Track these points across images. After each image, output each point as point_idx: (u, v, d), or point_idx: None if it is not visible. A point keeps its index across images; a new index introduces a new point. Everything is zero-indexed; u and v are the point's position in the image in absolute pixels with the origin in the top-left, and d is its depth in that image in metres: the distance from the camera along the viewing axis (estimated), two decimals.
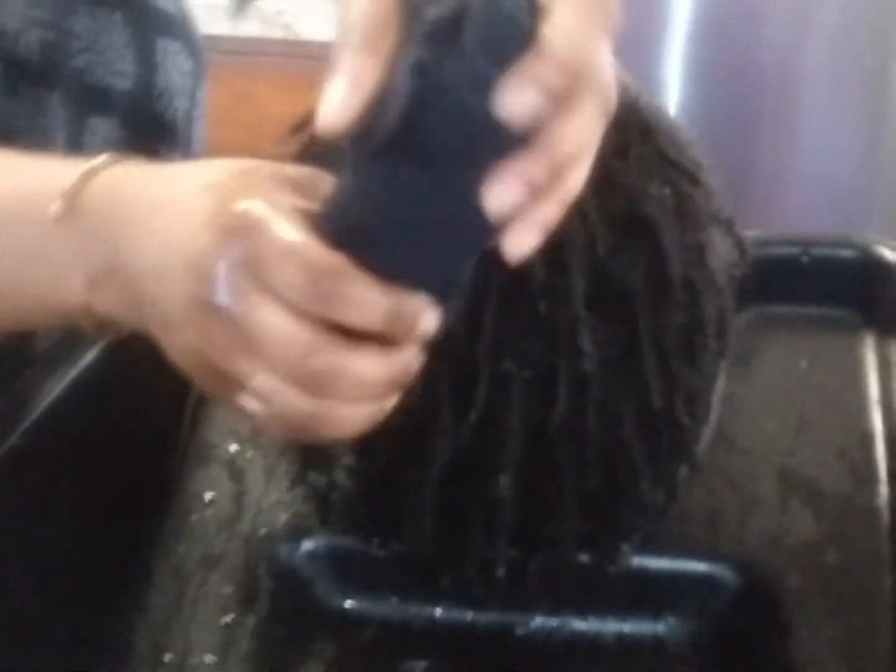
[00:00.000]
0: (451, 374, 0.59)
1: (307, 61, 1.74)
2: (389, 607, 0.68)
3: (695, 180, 0.63)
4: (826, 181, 1.55)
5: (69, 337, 0.71)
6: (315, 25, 1.68)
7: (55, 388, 0.69)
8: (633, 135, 0.62)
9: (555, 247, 0.59)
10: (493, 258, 0.59)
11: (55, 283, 0.58)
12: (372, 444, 0.61)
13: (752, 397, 0.74)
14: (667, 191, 0.62)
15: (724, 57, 1.59)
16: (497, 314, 0.59)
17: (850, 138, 1.56)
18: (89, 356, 0.71)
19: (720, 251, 0.64)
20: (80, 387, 0.70)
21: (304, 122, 0.68)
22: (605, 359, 0.60)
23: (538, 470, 0.60)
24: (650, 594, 0.69)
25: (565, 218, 0.59)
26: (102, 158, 0.58)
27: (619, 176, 0.61)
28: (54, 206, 0.58)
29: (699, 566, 0.69)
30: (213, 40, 1.65)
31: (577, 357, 0.59)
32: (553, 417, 0.59)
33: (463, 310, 0.58)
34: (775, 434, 0.73)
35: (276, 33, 1.69)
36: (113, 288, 0.56)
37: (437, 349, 0.59)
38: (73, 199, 0.57)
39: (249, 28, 1.68)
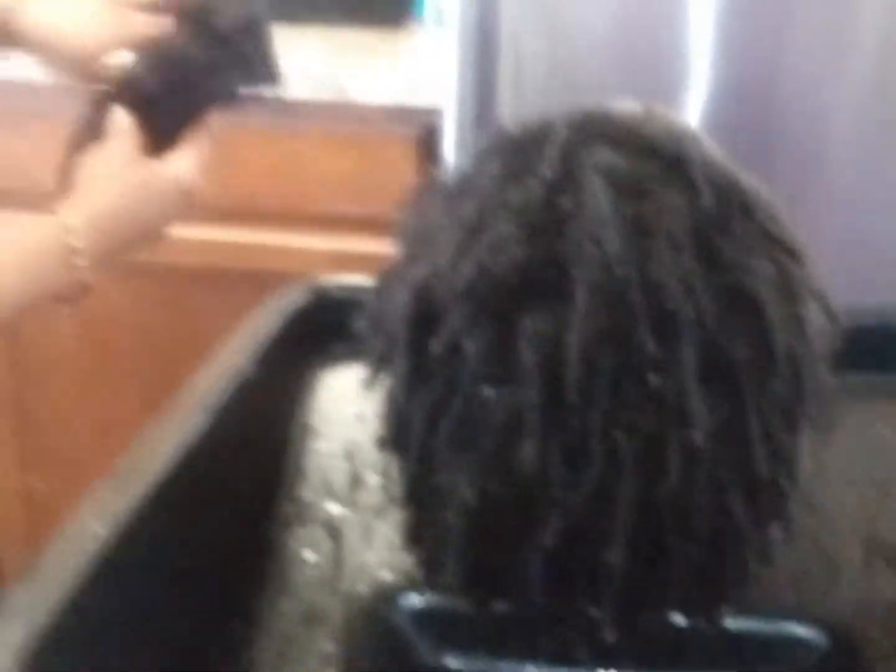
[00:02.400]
0: (563, 445, 0.59)
1: (356, 123, 1.76)
2: (488, 666, 0.68)
3: (794, 255, 0.64)
4: (860, 243, 1.56)
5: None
6: (365, 88, 1.70)
7: (165, 452, 0.69)
8: (734, 211, 0.63)
9: (665, 320, 0.59)
10: (605, 336, 0.59)
11: None
12: (483, 509, 0.61)
13: (834, 462, 0.74)
14: (769, 265, 0.62)
15: (745, 120, 1.60)
16: (609, 386, 0.59)
17: (884, 196, 1.56)
18: (194, 420, 0.71)
19: (816, 322, 0.64)
20: (187, 450, 0.70)
21: None
22: (712, 429, 0.60)
23: (646, 537, 0.60)
24: (739, 654, 0.69)
25: (674, 292, 0.60)
26: None
27: (723, 251, 0.61)
28: None
29: (787, 627, 0.69)
30: (263, 101, 1.68)
31: (687, 428, 0.59)
32: (662, 487, 0.59)
33: (576, 380, 0.59)
34: (858, 498, 0.73)
35: (327, 95, 1.70)
36: None
37: (551, 421, 0.59)
38: None
39: (300, 90, 1.69)
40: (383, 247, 1.79)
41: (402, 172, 1.74)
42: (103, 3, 1.09)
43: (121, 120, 1.05)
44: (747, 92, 1.59)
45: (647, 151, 0.63)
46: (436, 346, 0.61)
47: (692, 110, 1.58)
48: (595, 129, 0.63)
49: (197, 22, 1.07)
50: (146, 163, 1.05)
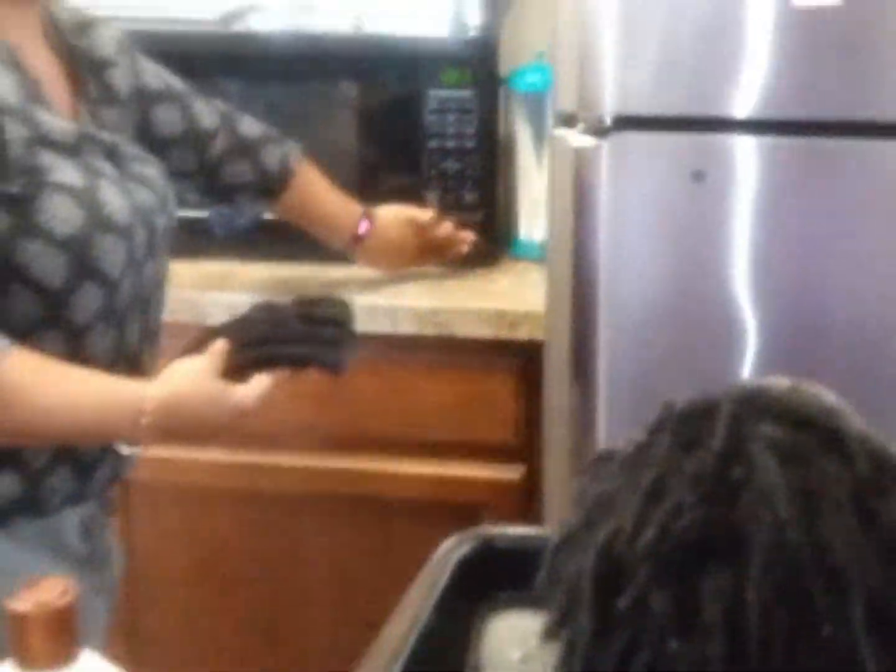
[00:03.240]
0: None
1: (459, 356, 1.84)
2: None
3: None
4: None
5: None
6: (467, 325, 1.80)
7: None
8: (888, 475, 0.69)
9: (834, 577, 0.65)
10: (780, 593, 0.65)
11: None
12: None
13: None
14: None
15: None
16: (786, 638, 0.65)
17: None
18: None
19: None
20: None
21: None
22: None
23: None
24: None
25: (841, 551, 0.66)
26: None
27: (881, 512, 0.67)
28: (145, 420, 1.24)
29: None
30: (373, 338, 1.78)
31: None
32: None
33: (756, 633, 0.65)
34: None
35: (431, 331, 1.79)
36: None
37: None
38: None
39: (406, 326, 1.79)
40: (484, 472, 1.86)
41: (503, 402, 1.82)
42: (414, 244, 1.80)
43: (219, 344, 1.32)
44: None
45: (805, 424, 0.70)
46: (622, 602, 0.67)
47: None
48: (756, 405, 0.70)
49: (301, 306, 1.41)
50: (221, 380, 1.31)
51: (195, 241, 1.80)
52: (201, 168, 1.57)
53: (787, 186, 1.64)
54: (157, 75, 1.48)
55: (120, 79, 1.38)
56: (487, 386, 1.82)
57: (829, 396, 0.73)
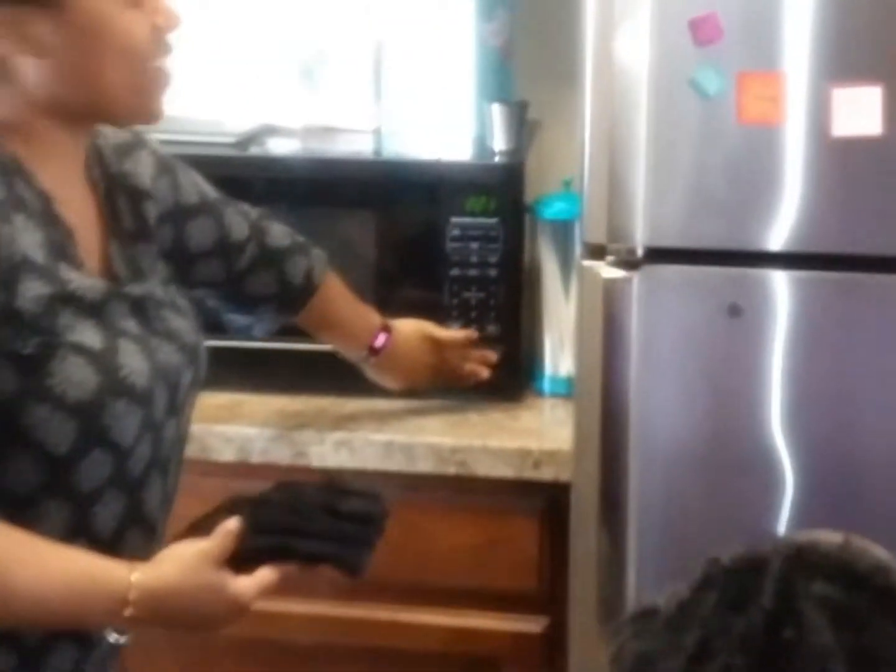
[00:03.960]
0: None
1: (479, 497, 1.83)
2: None
3: None
4: None
5: None
6: (489, 464, 1.80)
7: None
8: None
9: None
10: None
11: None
12: None
13: None
14: None
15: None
16: None
17: None
18: None
19: None
20: None
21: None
22: None
23: None
24: None
25: None
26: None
27: None
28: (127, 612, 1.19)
29: None
30: (388, 476, 1.78)
31: None
32: None
33: None
34: None
35: (450, 469, 1.80)
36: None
37: None
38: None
39: (424, 464, 1.79)
40: (505, 623, 1.84)
41: (525, 547, 1.81)
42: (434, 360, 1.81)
43: (230, 525, 1.27)
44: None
45: (858, 582, 0.70)
46: None
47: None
48: (806, 562, 0.71)
49: (329, 493, 1.35)
50: (220, 570, 1.26)
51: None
52: (227, 279, 1.57)
53: (825, 323, 1.66)
54: (193, 188, 1.49)
55: (155, 209, 1.39)
56: (509, 530, 1.81)
57: (880, 552, 0.74)
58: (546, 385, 2.00)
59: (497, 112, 1.97)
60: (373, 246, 1.94)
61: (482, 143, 2.01)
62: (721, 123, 1.61)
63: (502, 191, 1.90)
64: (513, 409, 1.94)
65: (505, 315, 1.92)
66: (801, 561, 0.71)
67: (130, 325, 1.29)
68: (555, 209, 1.96)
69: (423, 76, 2.04)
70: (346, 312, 1.72)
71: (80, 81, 1.23)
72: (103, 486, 1.25)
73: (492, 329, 1.92)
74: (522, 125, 1.99)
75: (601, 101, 1.64)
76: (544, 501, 1.80)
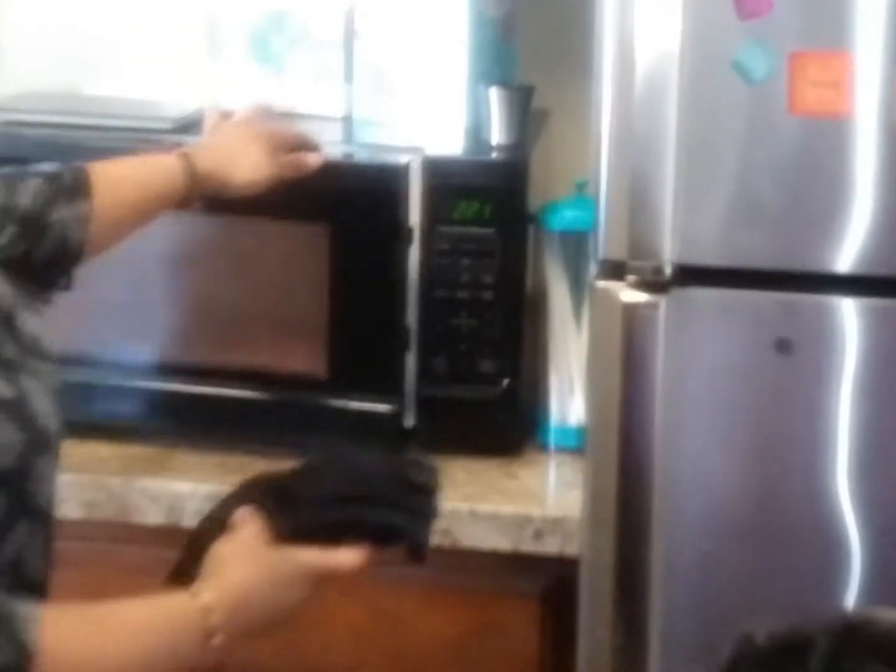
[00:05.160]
0: None
1: (466, 575, 1.81)
2: None
3: None
4: None
5: None
6: (478, 534, 1.79)
7: None
8: None
9: None
10: None
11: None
12: None
13: None
14: None
15: None
16: None
17: None
18: None
19: None
20: None
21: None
22: None
23: None
24: None
25: None
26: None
27: None
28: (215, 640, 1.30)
29: None
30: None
31: None
32: None
33: None
34: None
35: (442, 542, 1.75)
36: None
37: None
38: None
39: None
40: None
41: (523, 637, 1.80)
42: (262, 149, 1.82)
43: (243, 514, 1.38)
44: None
45: None
46: None
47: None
48: (858, 640, 0.72)
49: (390, 462, 1.45)
50: (275, 549, 1.37)
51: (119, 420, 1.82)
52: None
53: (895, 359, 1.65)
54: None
55: None
56: (503, 617, 1.81)
57: None
58: (551, 436, 2.00)
59: (495, 98, 1.97)
60: (325, 263, 1.92)
61: (476, 136, 2.01)
62: (770, 114, 1.61)
63: (500, 194, 1.90)
64: (509, 465, 1.93)
65: (501, 348, 1.92)
66: (853, 640, 0.72)
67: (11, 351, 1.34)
68: (564, 218, 1.97)
69: (403, 52, 2.06)
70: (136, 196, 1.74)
71: None
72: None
73: (486, 366, 1.92)
74: (526, 114, 1.99)
75: (622, 87, 1.64)
76: (547, 581, 1.80)
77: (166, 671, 1.32)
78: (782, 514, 1.68)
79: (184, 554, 1.41)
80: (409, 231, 1.89)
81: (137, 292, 1.97)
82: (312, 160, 1.87)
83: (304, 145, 1.90)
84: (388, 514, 1.39)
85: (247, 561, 1.36)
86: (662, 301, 1.66)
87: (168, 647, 1.30)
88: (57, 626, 1.24)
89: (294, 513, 1.38)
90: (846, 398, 1.65)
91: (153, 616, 1.31)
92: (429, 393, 1.94)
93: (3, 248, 1.55)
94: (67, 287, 1.63)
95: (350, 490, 1.39)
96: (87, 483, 1.50)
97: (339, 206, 1.92)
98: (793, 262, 1.65)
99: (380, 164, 1.95)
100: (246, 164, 1.81)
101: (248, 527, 1.38)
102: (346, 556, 1.39)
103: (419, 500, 1.41)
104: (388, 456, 1.46)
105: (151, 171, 1.77)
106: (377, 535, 1.40)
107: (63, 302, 1.58)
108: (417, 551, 1.41)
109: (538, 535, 1.78)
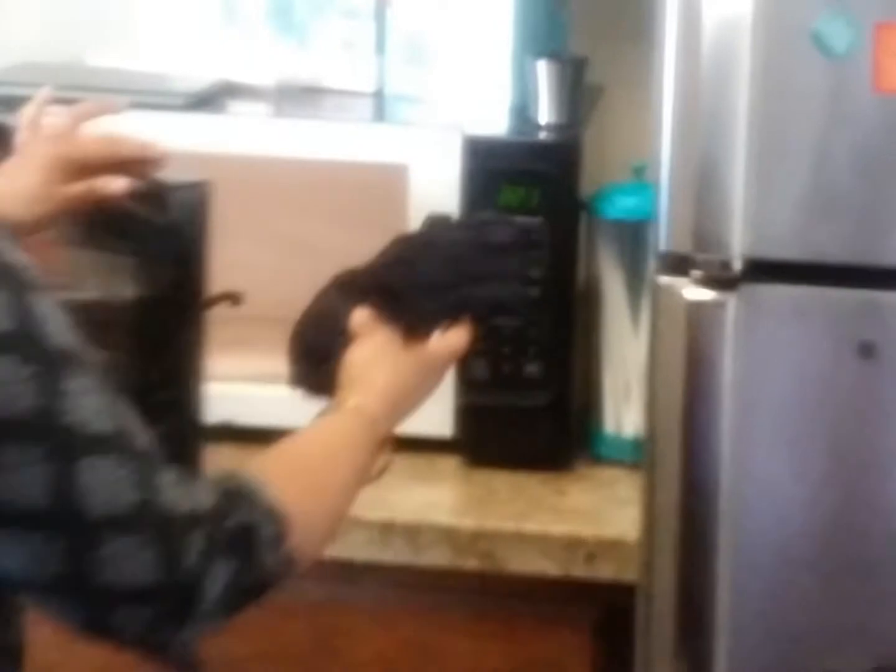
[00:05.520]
0: None
1: (510, 601, 1.79)
2: None
3: None
4: None
5: None
6: (524, 557, 1.76)
7: None
8: None
9: None
10: None
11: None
12: None
13: None
14: None
15: None
16: None
17: None
18: None
19: None
20: None
21: None
22: None
23: None
24: None
25: None
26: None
27: None
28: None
29: None
30: (385, 570, 1.74)
31: None
32: None
33: None
34: None
35: (470, 563, 1.76)
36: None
37: None
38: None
39: (434, 555, 1.76)
40: None
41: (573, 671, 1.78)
42: (46, 178, 1.61)
43: (362, 318, 1.49)
44: None
45: None
46: None
47: None
48: None
49: (476, 227, 1.57)
50: (407, 347, 1.49)
51: None
52: None
53: None
54: None
55: None
56: (551, 649, 1.80)
57: None
58: (605, 448, 1.98)
59: (544, 72, 1.95)
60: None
61: (522, 114, 2.00)
62: (852, 93, 1.59)
63: (549, 179, 1.89)
64: (558, 480, 1.92)
65: (550, 351, 1.91)
66: None
67: None
68: (621, 206, 1.95)
69: (441, 20, 2.04)
70: None
71: None
72: None
73: (531, 370, 1.91)
74: (578, 90, 1.98)
75: (686, 61, 1.63)
76: (600, 610, 1.79)
77: (361, 483, 1.41)
78: (863, 536, 1.66)
79: (299, 361, 1.53)
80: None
81: None
82: (114, 186, 1.63)
83: (113, 167, 1.66)
84: (488, 289, 1.51)
85: (390, 365, 1.47)
86: (731, 299, 1.64)
87: (362, 463, 1.40)
88: (276, 484, 1.28)
89: (402, 308, 1.48)
90: None
91: (338, 438, 1.42)
92: (468, 400, 1.93)
93: None
94: None
95: (446, 275, 1.50)
96: None
97: None
98: (876, 256, 1.63)
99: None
100: (19, 200, 1.61)
101: (377, 331, 1.48)
102: (461, 336, 1.50)
103: (508, 262, 1.54)
104: (464, 222, 1.66)
105: None
106: (480, 312, 1.52)
107: None
108: (523, 310, 1.69)
109: (590, 558, 1.77)
